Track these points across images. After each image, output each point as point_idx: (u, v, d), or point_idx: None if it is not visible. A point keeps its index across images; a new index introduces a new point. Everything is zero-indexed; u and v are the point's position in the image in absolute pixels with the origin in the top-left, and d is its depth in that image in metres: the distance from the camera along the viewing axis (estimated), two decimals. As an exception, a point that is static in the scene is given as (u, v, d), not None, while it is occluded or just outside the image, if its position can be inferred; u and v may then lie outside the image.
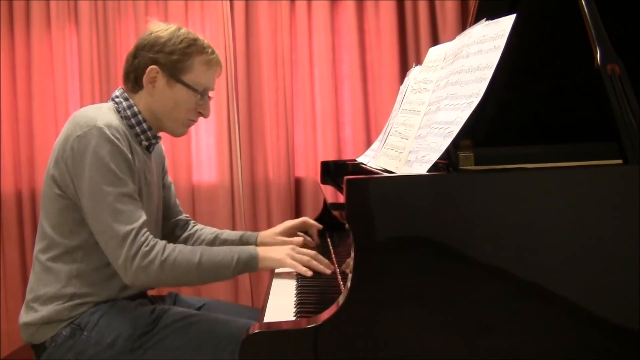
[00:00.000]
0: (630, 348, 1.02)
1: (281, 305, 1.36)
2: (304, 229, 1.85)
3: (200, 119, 1.67)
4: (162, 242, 1.45)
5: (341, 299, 1.03)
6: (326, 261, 1.56)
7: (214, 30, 2.92)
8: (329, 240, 1.90)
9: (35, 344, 1.50)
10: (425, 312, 1.02)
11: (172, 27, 1.58)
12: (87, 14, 2.93)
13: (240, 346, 1.03)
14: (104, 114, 1.48)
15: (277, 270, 1.66)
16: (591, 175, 1.05)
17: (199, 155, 2.99)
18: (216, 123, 2.92)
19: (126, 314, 1.48)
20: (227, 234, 1.84)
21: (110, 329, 1.45)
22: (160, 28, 1.58)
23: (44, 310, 1.48)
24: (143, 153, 1.58)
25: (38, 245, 1.54)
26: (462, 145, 1.22)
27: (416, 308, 1.02)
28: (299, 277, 1.59)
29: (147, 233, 1.44)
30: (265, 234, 1.83)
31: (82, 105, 2.78)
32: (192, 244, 1.82)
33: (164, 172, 1.80)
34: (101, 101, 2.69)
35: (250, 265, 1.52)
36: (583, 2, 1.14)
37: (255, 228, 2.94)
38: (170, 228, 1.83)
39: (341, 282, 1.46)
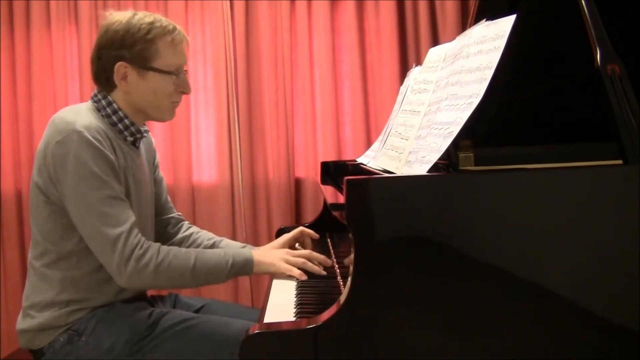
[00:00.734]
0: (630, 348, 1.02)
1: (281, 305, 1.36)
2: (300, 240, 1.79)
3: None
4: (156, 245, 1.44)
5: (341, 299, 1.03)
6: (322, 257, 1.56)
7: (214, 30, 2.92)
8: (329, 240, 1.90)
9: (34, 349, 1.50)
10: (426, 312, 1.02)
11: (127, 16, 1.52)
12: (87, 14, 2.93)
13: (240, 347, 1.03)
14: (82, 116, 1.45)
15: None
16: (591, 175, 1.05)
17: (199, 155, 2.99)
18: (216, 123, 2.92)
19: (124, 318, 1.47)
20: (226, 243, 1.79)
21: (108, 334, 1.44)
22: (115, 21, 1.51)
23: (40, 317, 1.47)
24: (129, 149, 1.56)
25: (32, 252, 1.53)
26: (462, 146, 1.22)
27: (416, 308, 1.02)
28: (299, 277, 1.59)
29: (139, 235, 1.42)
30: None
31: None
32: (189, 247, 1.78)
33: (154, 166, 1.77)
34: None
35: (245, 269, 1.52)
36: (583, 2, 1.14)
37: (255, 228, 2.94)
38: (162, 226, 1.80)
39: (341, 282, 1.46)
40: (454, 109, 1.10)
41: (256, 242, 2.84)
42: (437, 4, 2.84)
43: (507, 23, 1.09)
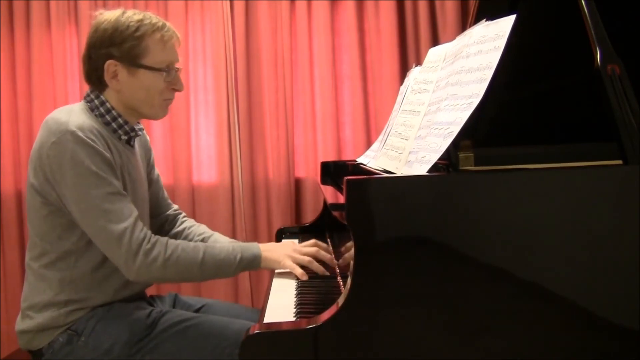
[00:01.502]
0: (630, 348, 1.02)
1: (281, 305, 1.36)
2: None
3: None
4: (164, 239, 1.45)
5: (341, 299, 1.03)
6: (328, 257, 1.57)
7: (214, 30, 2.92)
8: (329, 240, 1.90)
9: (33, 350, 1.50)
10: (426, 312, 1.02)
11: (116, 14, 1.51)
12: (87, 14, 2.93)
13: (240, 347, 1.03)
14: (75, 116, 1.45)
15: (277, 271, 1.66)
16: (591, 176, 1.05)
17: (199, 155, 2.99)
18: (216, 123, 2.92)
19: (123, 318, 1.47)
20: (215, 238, 1.78)
21: (107, 335, 1.44)
22: (104, 20, 1.51)
23: (39, 318, 1.47)
24: (124, 148, 1.55)
25: (29, 254, 1.52)
26: (462, 146, 1.22)
27: (416, 308, 1.02)
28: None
29: (144, 228, 1.43)
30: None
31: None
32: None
33: (150, 165, 1.76)
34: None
35: (253, 264, 1.53)
36: (583, 2, 1.14)
37: (255, 228, 2.94)
38: (159, 224, 1.80)
39: (341, 282, 1.46)
40: (454, 109, 1.10)
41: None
42: (437, 4, 2.83)
43: (507, 23, 1.09)
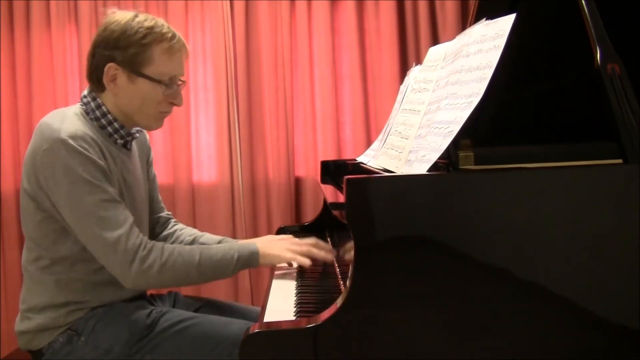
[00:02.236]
0: (630, 348, 1.02)
1: (281, 305, 1.36)
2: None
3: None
4: (160, 244, 1.43)
5: (341, 299, 1.03)
6: (328, 247, 1.56)
7: (214, 30, 2.92)
8: (329, 239, 1.90)
9: (33, 350, 1.49)
10: (426, 312, 1.02)
11: (127, 17, 1.46)
12: (87, 14, 2.93)
13: (240, 346, 1.03)
14: (68, 123, 1.41)
15: (276, 270, 1.66)
16: (591, 175, 1.05)
17: (199, 155, 2.99)
18: (216, 123, 2.92)
19: (123, 318, 1.46)
20: (206, 237, 1.76)
21: (107, 334, 1.43)
22: (115, 20, 1.46)
23: (39, 319, 1.46)
24: (120, 152, 1.52)
25: (25, 256, 1.51)
26: (462, 145, 1.22)
27: (416, 307, 1.02)
28: (299, 276, 1.59)
29: (140, 235, 1.41)
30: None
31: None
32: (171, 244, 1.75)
33: (148, 163, 1.73)
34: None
35: (251, 262, 1.51)
36: (583, 2, 1.14)
37: (255, 228, 2.94)
38: (151, 225, 1.76)
39: (341, 282, 1.46)
40: (454, 108, 1.10)
41: (256, 242, 2.84)
42: (437, 4, 2.84)
43: (506, 22, 1.09)
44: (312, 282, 1.52)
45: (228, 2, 2.92)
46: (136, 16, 1.47)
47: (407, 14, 2.87)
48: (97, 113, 1.49)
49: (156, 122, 1.55)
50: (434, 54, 1.43)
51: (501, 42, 1.06)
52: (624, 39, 1.16)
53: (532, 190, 1.03)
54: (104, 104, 1.50)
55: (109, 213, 1.39)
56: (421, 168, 1.10)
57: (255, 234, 2.93)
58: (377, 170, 1.39)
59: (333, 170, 2.24)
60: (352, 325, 1.01)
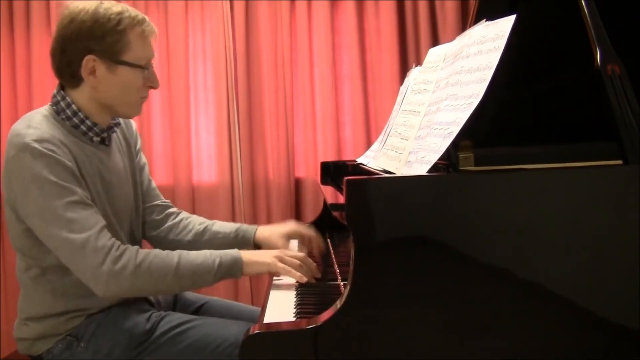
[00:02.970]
0: (630, 348, 1.02)
1: (281, 305, 1.36)
2: (302, 240, 1.75)
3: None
4: (134, 248, 1.37)
5: (341, 300, 1.03)
6: (314, 265, 1.49)
7: (214, 30, 2.92)
8: (329, 240, 1.90)
9: (32, 355, 1.48)
10: (426, 313, 1.02)
11: (93, 4, 1.40)
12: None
13: (240, 347, 1.03)
14: (34, 127, 1.36)
15: (275, 278, 1.65)
16: (591, 175, 1.05)
17: (199, 155, 2.99)
18: (216, 123, 2.92)
19: (122, 322, 1.44)
20: (220, 225, 1.69)
21: (107, 339, 1.41)
22: (80, 10, 1.40)
23: (38, 327, 1.44)
24: (96, 150, 1.47)
25: (17, 266, 1.49)
26: (462, 146, 1.22)
27: (416, 308, 1.02)
28: (299, 277, 1.59)
29: (112, 238, 1.34)
30: (265, 231, 1.71)
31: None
32: (178, 235, 1.69)
33: (136, 151, 1.65)
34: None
35: (233, 270, 1.43)
36: (583, 2, 1.14)
37: (255, 228, 2.94)
38: (146, 214, 1.68)
39: (341, 283, 1.46)
40: (454, 109, 1.10)
41: (256, 242, 2.84)
42: (437, 4, 2.84)
43: (506, 23, 1.09)
44: (312, 282, 1.52)
45: (228, 2, 2.92)
46: (101, 3, 1.42)
47: (407, 14, 2.87)
48: (68, 112, 1.44)
49: (137, 108, 1.50)
50: (433, 55, 1.43)
51: (501, 44, 1.06)
52: (624, 40, 1.16)
53: (532, 191, 1.03)
54: (73, 102, 1.44)
55: (78, 215, 1.32)
56: (421, 169, 1.10)
57: (255, 234, 2.93)
58: (377, 172, 1.39)
59: (333, 171, 2.25)
60: (352, 326, 1.01)
